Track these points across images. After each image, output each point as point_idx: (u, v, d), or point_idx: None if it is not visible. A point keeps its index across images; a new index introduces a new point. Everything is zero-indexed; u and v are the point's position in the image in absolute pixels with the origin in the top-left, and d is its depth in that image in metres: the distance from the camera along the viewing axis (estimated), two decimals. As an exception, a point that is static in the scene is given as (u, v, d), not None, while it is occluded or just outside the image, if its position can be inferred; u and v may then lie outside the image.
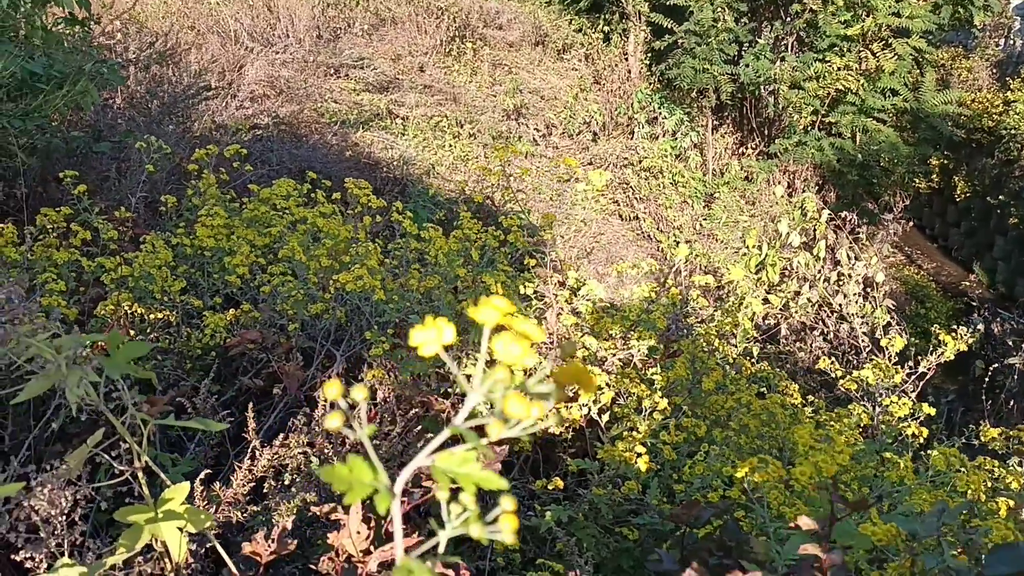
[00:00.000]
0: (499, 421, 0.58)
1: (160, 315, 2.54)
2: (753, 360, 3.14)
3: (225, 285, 2.84)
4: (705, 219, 8.67)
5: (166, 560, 1.03)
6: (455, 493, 0.60)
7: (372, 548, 1.04)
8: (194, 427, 1.02)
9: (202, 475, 1.48)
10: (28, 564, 0.96)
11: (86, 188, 3.32)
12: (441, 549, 0.63)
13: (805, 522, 1.10)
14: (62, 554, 0.94)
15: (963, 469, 1.76)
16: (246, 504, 1.46)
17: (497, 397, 0.59)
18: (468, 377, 2.19)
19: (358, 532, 1.05)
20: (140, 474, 1.01)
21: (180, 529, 0.98)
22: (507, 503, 0.62)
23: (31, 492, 0.93)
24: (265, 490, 1.60)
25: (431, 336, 0.59)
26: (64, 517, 0.93)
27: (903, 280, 9.68)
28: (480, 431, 0.60)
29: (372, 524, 1.07)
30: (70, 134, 4.43)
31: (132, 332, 2.45)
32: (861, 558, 1.29)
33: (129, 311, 2.45)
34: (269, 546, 1.13)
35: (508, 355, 0.58)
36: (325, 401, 1.82)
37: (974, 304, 9.21)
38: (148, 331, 2.51)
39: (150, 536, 0.97)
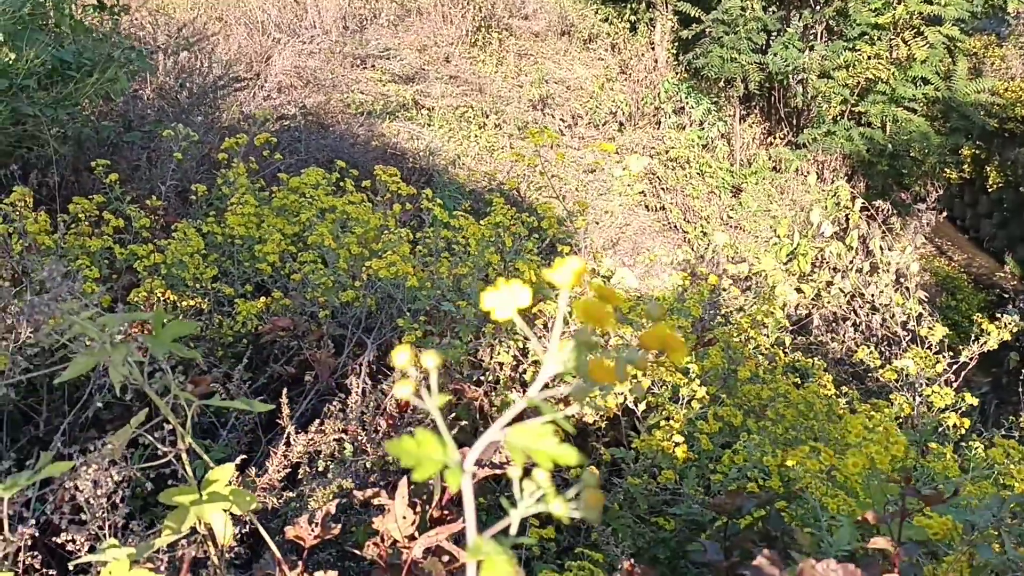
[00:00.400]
0: (580, 389, 0.55)
1: (192, 302, 2.54)
2: (786, 350, 3.10)
3: (256, 273, 2.84)
4: (732, 209, 8.60)
5: (209, 543, 1.02)
6: (526, 471, 0.57)
7: (417, 534, 1.03)
8: (238, 407, 1.01)
9: (238, 460, 1.47)
10: (69, 547, 0.95)
11: (117, 177, 3.33)
12: (514, 530, 0.61)
13: (872, 516, 1.07)
14: (104, 537, 0.93)
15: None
16: (281, 490, 1.45)
17: (578, 363, 0.55)
18: (501, 365, 2.18)
19: (404, 517, 1.03)
20: (184, 455, 1.00)
21: (225, 510, 0.96)
22: (590, 478, 0.59)
23: (75, 473, 0.92)
24: (300, 476, 1.59)
25: (505, 298, 0.56)
26: (107, 499, 0.92)
27: (933, 271, 9.55)
28: (557, 403, 0.57)
29: (417, 509, 1.05)
30: (101, 124, 4.45)
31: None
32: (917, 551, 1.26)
33: (162, 298, 2.45)
34: (312, 530, 1.12)
35: (591, 315, 0.54)
36: (358, 387, 1.80)
37: (1006, 296, 9.08)
38: (180, 318, 2.51)
39: (196, 518, 0.96)
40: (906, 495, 1.05)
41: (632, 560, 1.02)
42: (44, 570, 1.00)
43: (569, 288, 0.56)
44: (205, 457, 1.04)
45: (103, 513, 0.94)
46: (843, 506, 1.49)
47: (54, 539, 0.96)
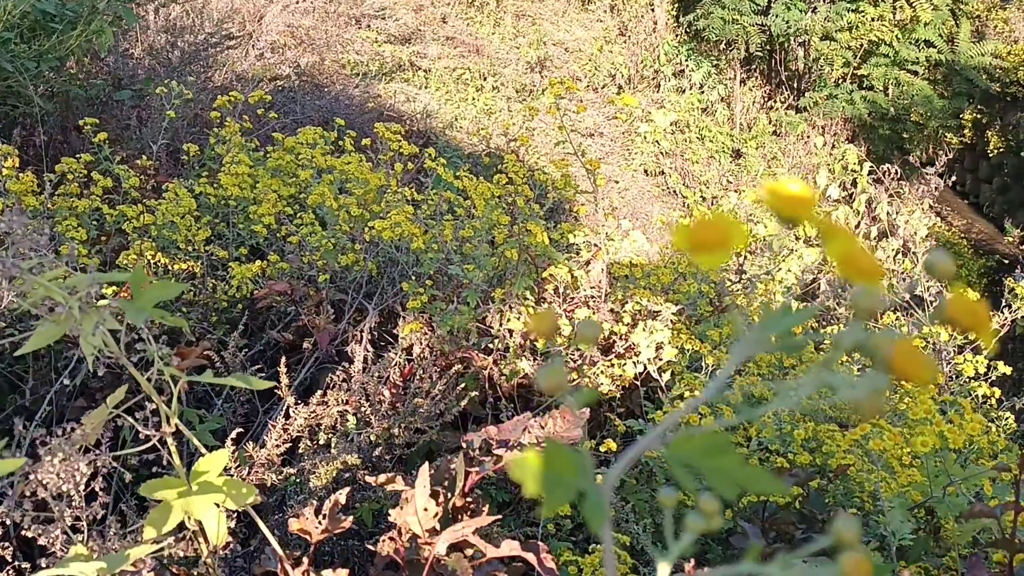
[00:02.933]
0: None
1: (184, 265, 2.43)
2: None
3: (251, 235, 2.73)
4: (732, 174, 8.48)
5: (201, 540, 0.92)
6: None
7: (439, 527, 0.92)
8: (233, 383, 0.90)
9: (233, 434, 1.37)
10: (41, 541, 0.85)
11: (107, 136, 3.21)
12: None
13: (984, 510, 0.96)
14: (79, 531, 0.83)
15: None
16: (281, 466, 1.35)
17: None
18: (510, 332, 2.07)
19: (425, 509, 0.93)
20: (170, 439, 0.89)
21: (218, 505, 0.86)
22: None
23: (39, 463, 0.81)
24: (300, 451, 1.49)
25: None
26: (80, 490, 0.81)
27: (934, 237, 9.47)
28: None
29: (440, 500, 0.95)
30: (90, 82, 4.31)
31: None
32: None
33: (152, 261, 2.34)
34: (320, 523, 1.01)
35: (857, 268, 0.41)
36: (361, 355, 1.70)
37: (1006, 262, 9.01)
38: (172, 282, 2.40)
39: (182, 514, 0.85)
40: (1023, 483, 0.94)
41: (693, 562, 0.92)
42: (17, 563, 0.90)
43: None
44: (195, 441, 0.93)
45: (79, 504, 0.84)
46: (885, 488, 1.39)
47: (25, 532, 0.86)
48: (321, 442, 1.63)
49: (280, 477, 1.35)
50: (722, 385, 0.43)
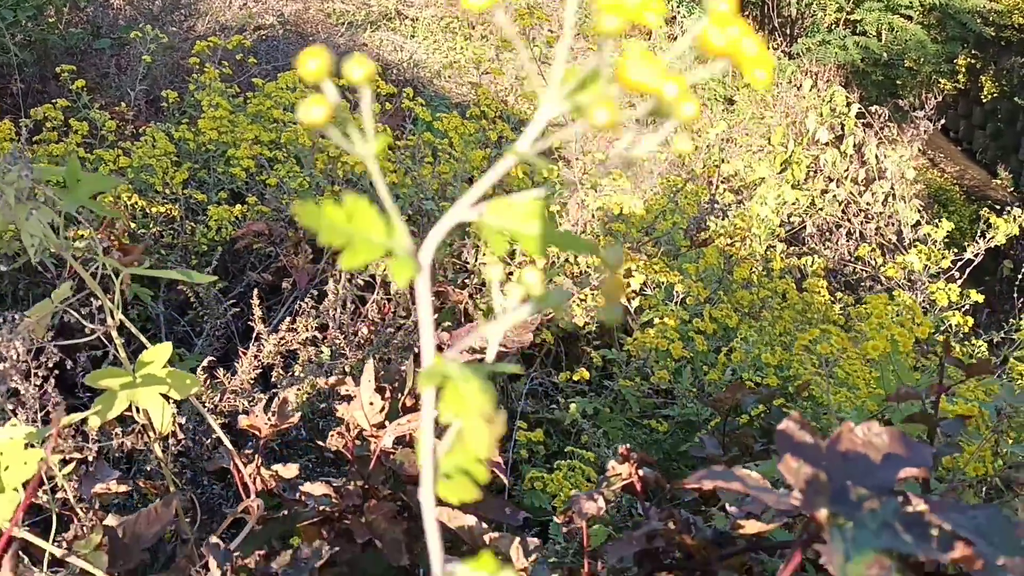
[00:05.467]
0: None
1: (162, 208, 2.42)
2: (782, 256, 3.01)
3: (231, 180, 2.72)
4: (725, 122, 8.43)
5: (150, 433, 0.93)
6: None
7: (387, 422, 0.94)
8: (174, 277, 0.91)
9: (205, 362, 1.38)
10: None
11: (85, 84, 3.18)
12: (491, 356, 0.48)
13: (911, 392, 0.98)
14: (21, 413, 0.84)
15: None
16: (252, 393, 1.36)
17: (591, 93, 0.37)
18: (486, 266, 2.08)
19: (371, 404, 0.94)
20: (114, 333, 0.90)
21: (164, 396, 0.87)
22: (614, 253, 0.45)
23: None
24: (273, 379, 1.50)
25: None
26: (19, 366, 0.82)
27: (926, 183, 9.44)
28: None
29: (387, 395, 0.97)
30: (68, 31, 4.26)
31: (133, 225, 2.34)
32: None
33: (129, 204, 2.33)
34: (269, 419, 1.03)
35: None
36: (334, 289, 1.71)
37: (998, 207, 8.99)
38: (151, 225, 2.40)
39: (127, 403, 0.86)
40: (947, 364, 0.96)
41: (628, 448, 0.93)
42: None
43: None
44: (141, 337, 0.94)
45: (25, 394, 0.85)
46: (846, 402, 1.42)
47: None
48: (296, 372, 1.65)
49: (252, 403, 1.37)
50: (531, 138, 0.41)
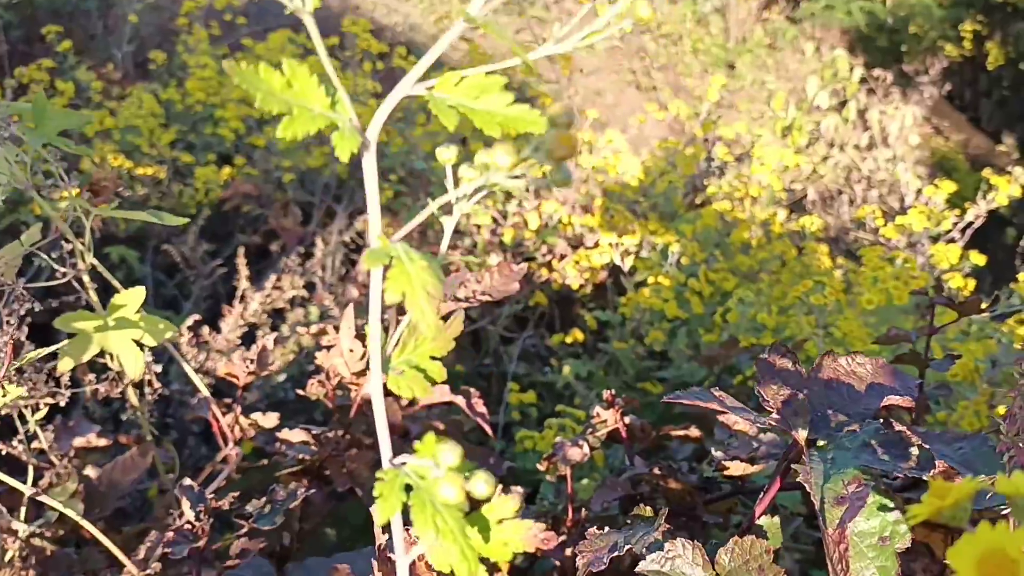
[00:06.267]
0: None
1: (149, 170, 2.37)
2: (782, 222, 2.95)
3: (219, 142, 2.67)
4: (726, 88, 8.33)
5: (125, 379, 0.90)
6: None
7: (368, 369, 0.90)
8: (144, 218, 0.87)
9: (190, 321, 1.34)
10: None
11: (71, 45, 3.13)
12: (443, 248, 0.46)
13: (901, 334, 0.94)
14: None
15: None
16: (237, 349, 1.33)
17: None
18: (478, 227, 2.03)
19: (351, 351, 0.91)
20: (86, 277, 0.87)
21: (137, 343, 0.84)
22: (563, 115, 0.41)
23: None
24: (259, 339, 1.47)
25: None
26: None
27: (930, 151, 9.36)
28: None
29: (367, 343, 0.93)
30: (54, -9, 4.18)
31: (120, 188, 2.29)
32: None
33: (115, 165, 2.28)
34: (248, 367, 1.00)
35: None
36: (322, 248, 1.67)
37: (1003, 175, 8.91)
38: (137, 188, 2.35)
39: (99, 347, 0.83)
40: (938, 303, 0.92)
41: (612, 394, 0.90)
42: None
43: None
44: (115, 283, 0.91)
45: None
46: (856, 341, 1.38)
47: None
48: (285, 334, 1.61)
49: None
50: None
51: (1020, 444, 0.51)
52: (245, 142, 2.61)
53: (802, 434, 0.61)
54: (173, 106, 2.77)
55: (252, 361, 1.00)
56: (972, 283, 2.04)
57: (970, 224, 2.29)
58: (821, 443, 0.60)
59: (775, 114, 5.31)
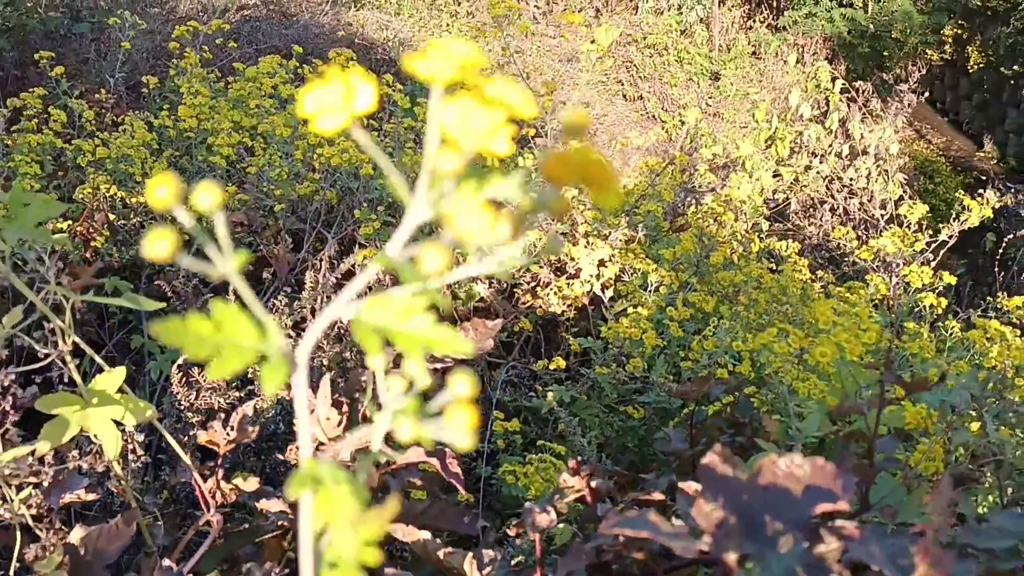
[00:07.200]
0: (442, 248, 0.37)
1: (142, 199, 2.42)
2: (762, 236, 3.02)
3: (211, 168, 2.72)
4: (711, 97, 8.42)
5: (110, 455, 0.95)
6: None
7: (346, 433, 0.96)
8: (122, 304, 0.92)
9: (180, 360, 1.39)
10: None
11: (64, 71, 3.17)
12: (375, 446, 0.46)
13: (848, 405, 1.00)
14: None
15: (1000, 341, 1.65)
16: (228, 389, 1.38)
17: (454, 207, 0.37)
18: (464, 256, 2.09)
19: (328, 418, 0.96)
20: (68, 358, 0.91)
21: (117, 422, 0.88)
22: (462, 384, 0.42)
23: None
24: (250, 375, 1.52)
25: (333, 97, 0.37)
26: None
27: (912, 155, 9.46)
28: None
29: (344, 408, 0.98)
30: (48, 15, 4.23)
31: (112, 216, 2.34)
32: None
33: (108, 194, 2.33)
34: (228, 434, 1.04)
35: (467, 130, 0.36)
36: (312, 280, 1.72)
37: (984, 179, 9.03)
38: (131, 215, 2.40)
39: (78, 429, 0.87)
40: (887, 381, 0.98)
41: (578, 460, 0.95)
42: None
43: (445, 81, 0.37)
44: (98, 359, 0.95)
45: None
46: (814, 390, 1.44)
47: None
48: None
49: (228, 401, 1.38)
50: (400, 243, 0.41)
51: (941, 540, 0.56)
52: (238, 168, 2.67)
53: (732, 557, 0.65)
54: (166, 131, 2.82)
55: (232, 428, 1.05)
56: (944, 301, 2.11)
57: (944, 243, 2.36)
58: (749, 565, 0.62)
59: (758, 125, 5.39)
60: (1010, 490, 0.94)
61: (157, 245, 0.40)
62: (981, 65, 10.12)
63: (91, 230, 2.18)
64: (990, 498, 1.01)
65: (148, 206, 2.47)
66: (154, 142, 2.73)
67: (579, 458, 0.95)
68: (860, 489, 0.86)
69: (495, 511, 1.65)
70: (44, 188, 2.42)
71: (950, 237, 2.36)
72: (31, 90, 2.84)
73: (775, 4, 9.61)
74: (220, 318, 0.40)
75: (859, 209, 4.49)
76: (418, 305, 0.40)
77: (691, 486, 0.73)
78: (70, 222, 2.24)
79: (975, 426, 0.95)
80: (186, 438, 1.09)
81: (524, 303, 2.04)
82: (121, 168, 2.52)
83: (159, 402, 1.92)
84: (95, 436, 0.88)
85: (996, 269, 4.29)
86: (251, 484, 1.00)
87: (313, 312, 1.65)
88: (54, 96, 3.05)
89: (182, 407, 1.40)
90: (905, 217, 2.33)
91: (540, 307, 2.04)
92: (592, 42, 2.64)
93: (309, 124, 0.40)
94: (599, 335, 2.01)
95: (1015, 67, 9.55)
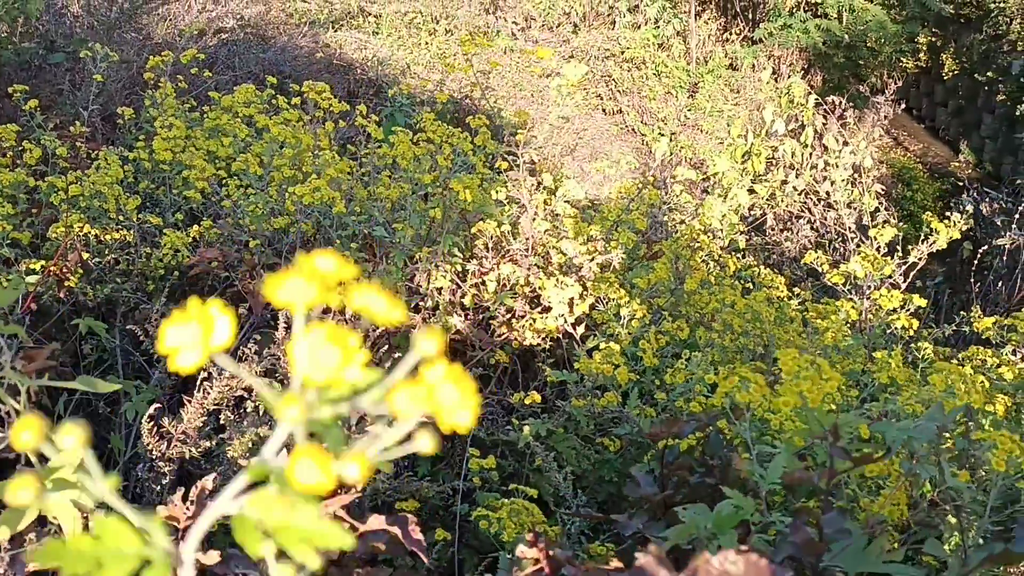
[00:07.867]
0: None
1: (116, 235, 2.42)
2: (739, 254, 3.04)
3: (187, 201, 2.72)
4: (689, 110, 8.47)
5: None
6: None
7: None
8: (75, 387, 0.92)
9: (151, 409, 1.39)
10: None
11: (38, 103, 3.16)
12: None
13: (804, 477, 1.01)
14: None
15: (962, 384, 1.66)
16: (199, 439, 1.38)
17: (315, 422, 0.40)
18: (439, 290, 2.10)
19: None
20: None
21: (75, 502, 0.88)
22: None
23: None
24: (223, 421, 1.52)
25: (191, 334, 0.40)
26: None
27: (889, 163, 9.54)
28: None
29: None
30: (21, 45, 4.22)
31: (87, 255, 2.33)
32: (851, 483, 1.23)
33: (81, 232, 2.33)
34: (188, 509, 1.04)
35: (319, 366, 0.39)
36: (284, 322, 1.72)
37: (961, 185, 9.11)
38: (105, 252, 2.39)
39: (36, 512, 0.87)
40: (835, 455, 0.99)
41: (535, 534, 0.95)
42: None
43: (306, 305, 0.40)
44: (54, 439, 0.95)
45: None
46: (787, 422, 1.45)
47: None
48: (249, 410, 1.66)
49: (199, 450, 1.38)
50: (275, 448, 0.43)
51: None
52: (213, 200, 2.67)
53: None
54: (141, 163, 2.81)
55: (192, 503, 1.05)
56: (915, 323, 2.13)
57: (914, 265, 2.39)
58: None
59: (734, 141, 5.42)
60: (971, 532, 0.95)
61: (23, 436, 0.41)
62: (956, 72, 10.23)
63: (64, 270, 2.17)
64: (953, 540, 1.02)
65: (122, 241, 2.47)
66: (130, 174, 2.72)
67: (535, 532, 0.96)
68: (811, 563, 0.87)
69: (473, 548, 1.65)
70: (17, 227, 2.41)
71: (919, 259, 2.38)
72: (6, 125, 2.83)
73: (751, 16, 9.69)
74: (100, 531, 0.40)
75: (835, 222, 4.52)
76: (299, 500, 0.40)
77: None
78: (44, 262, 2.23)
79: (928, 486, 0.97)
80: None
81: (500, 335, 2.05)
82: (95, 205, 2.51)
83: (134, 444, 1.91)
84: (53, 517, 0.88)
85: (972, 279, 4.33)
86: (212, 558, 1.00)
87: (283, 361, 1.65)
88: (28, 129, 3.04)
89: (154, 456, 1.40)
90: (876, 239, 2.35)
91: (516, 339, 2.05)
92: (558, 75, 2.65)
93: (169, 361, 0.41)
94: (574, 366, 2.02)
95: (988, 73, 9.66)
